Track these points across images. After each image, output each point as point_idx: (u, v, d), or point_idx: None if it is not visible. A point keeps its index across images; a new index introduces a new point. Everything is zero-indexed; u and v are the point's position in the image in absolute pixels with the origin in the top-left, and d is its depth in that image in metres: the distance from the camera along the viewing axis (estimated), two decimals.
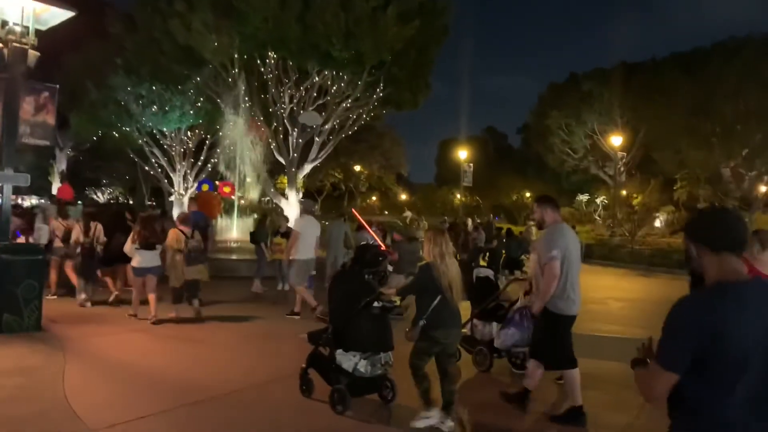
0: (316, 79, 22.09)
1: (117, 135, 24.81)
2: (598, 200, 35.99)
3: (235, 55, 20.60)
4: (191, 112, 23.10)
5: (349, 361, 5.38)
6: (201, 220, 12.03)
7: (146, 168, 27.30)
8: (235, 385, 6.05)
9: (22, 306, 7.87)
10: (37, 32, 8.43)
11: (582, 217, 36.60)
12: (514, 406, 5.68)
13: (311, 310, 9.82)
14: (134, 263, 9.25)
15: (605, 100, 32.90)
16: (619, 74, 33.05)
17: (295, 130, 22.98)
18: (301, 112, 22.22)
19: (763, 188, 31.18)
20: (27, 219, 11.55)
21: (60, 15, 8.49)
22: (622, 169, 31.93)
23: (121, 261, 10.26)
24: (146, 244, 9.13)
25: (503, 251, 14.58)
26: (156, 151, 25.65)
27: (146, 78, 21.84)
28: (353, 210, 17.17)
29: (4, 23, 8.12)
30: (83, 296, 10.15)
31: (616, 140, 30.69)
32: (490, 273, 8.22)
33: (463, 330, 7.63)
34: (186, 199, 25.16)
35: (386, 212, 55.64)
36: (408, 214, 45.20)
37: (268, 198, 29.05)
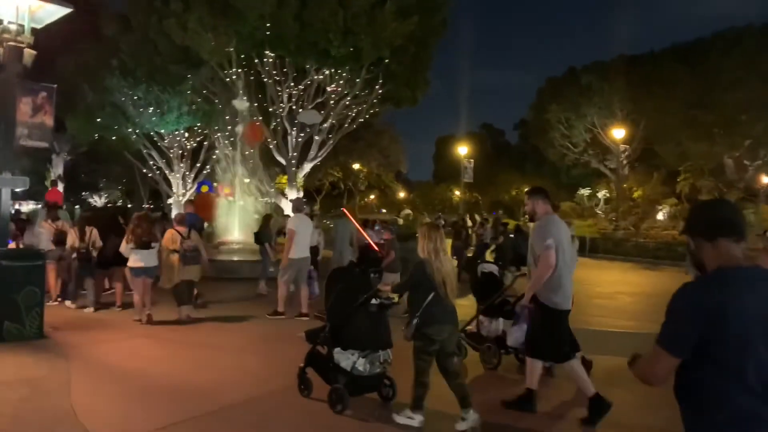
0: (315, 77, 21.83)
1: (114, 138, 24.49)
2: (599, 194, 35.75)
3: (233, 55, 20.32)
4: (189, 113, 22.80)
5: (347, 359, 5.30)
6: (195, 222, 11.89)
7: (144, 170, 27.00)
8: (248, 392, 5.83)
9: (23, 313, 7.60)
10: (33, 31, 8.16)
11: (583, 211, 36.40)
12: (519, 410, 5.48)
13: (272, 313, 9.72)
14: (131, 263, 9.09)
15: (605, 93, 32.69)
16: (618, 67, 32.80)
17: (294, 129, 22.73)
18: (300, 111, 21.97)
19: (765, 179, 30.99)
20: (18, 224, 11.36)
21: (56, 12, 8.22)
22: (624, 162, 31.71)
23: (117, 264, 10.19)
24: (141, 243, 8.98)
25: (511, 247, 14.37)
26: (154, 153, 25.36)
27: (143, 79, 21.55)
28: (343, 209, 17.04)
29: None
30: (78, 302, 10.05)
31: (618, 133, 30.46)
32: (494, 269, 8.08)
33: (469, 327, 7.59)
34: (185, 201, 24.92)
35: (384, 210, 55.49)
36: (407, 212, 45.11)
37: (266, 199, 28.78)
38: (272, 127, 22.55)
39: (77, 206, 34.40)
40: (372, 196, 59.31)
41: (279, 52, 20.63)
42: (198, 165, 26.19)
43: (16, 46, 7.77)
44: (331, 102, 22.39)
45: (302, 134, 22.95)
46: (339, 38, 19.44)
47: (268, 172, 24.04)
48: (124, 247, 9.13)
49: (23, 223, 11.76)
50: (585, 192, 36.95)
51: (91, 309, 9.89)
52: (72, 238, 9.99)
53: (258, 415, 5.28)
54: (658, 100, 29.65)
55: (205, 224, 24.27)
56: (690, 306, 2.10)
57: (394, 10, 19.76)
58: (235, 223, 19.79)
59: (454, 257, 18.23)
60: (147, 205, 34.77)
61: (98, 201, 38.09)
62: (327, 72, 21.77)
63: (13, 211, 8.57)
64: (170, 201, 27.02)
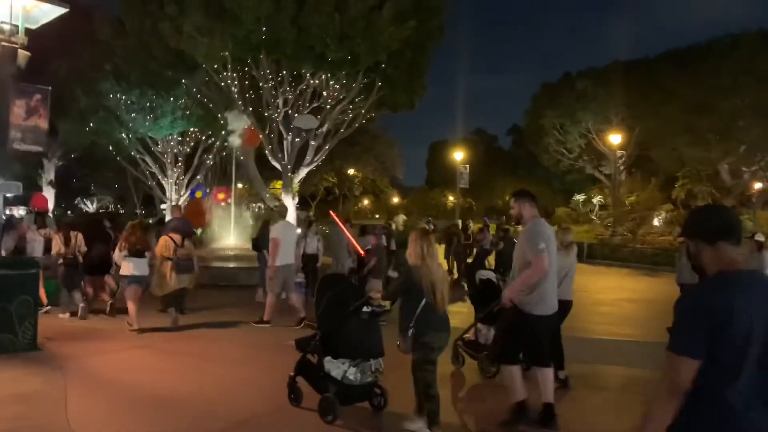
0: (311, 81, 21.62)
1: (107, 142, 24.15)
2: (594, 200, 35.71)
3: (228, 59, 20.07)
4: (183, 117, 22.52)
5: (338, 368, 5.20)
6: (183, 227, 11.66)
7: (137, 175, 26.66)
8: (255, 407, 5.62)
9: (16, 324, 7.30)
10: (27, 31, 7.91)
11: (578, 217, 36.33)
12: (517, 424, 5.27)
13: (257, 321, 9.51)
14: (124, 271, 8.94)
15: (600, 98, 32.66)
16: (613, 72, 32.81)
17: (290, 134, 22.49)
18: (296, 115, 21.74)
19: (758, 185, 31.03)
20: None
21: (51, 12, 7.97)
22: (621, 167, 31.67)
23: (100, 271, 10.15)
24: (135, 252, 8.85)
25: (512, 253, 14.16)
26: (147, 158, 25.03)
27: (136, 83, 21.26)
28: (330, 211, 16.90)
29: None
30: (69, 311, 9.80)
31: (614, 138, 30.40)
32: (492, 275, 7.93)
33: (467, 335, 7.43)
34: (171, 207, 24.60)
35: (377, 216, 55.23)
36: (402, 217, 44.84)
37: (259, 204, 28.54)
38: (267, 131, 22.30)
39: (69, 212, 34.03)
40: (366, 202, 59.05)
41: (275, 56, 20.40)
42: (192, 170, 25.88)
43: (9, 47, 7.51)
44: (328, 106, 22.15)
45: (298, 139, 22.70)
46: (336, 42, 19.25)
47: (263, 177, 23.81)
48: (117, 255, 8.99)
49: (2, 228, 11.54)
50: (580, 198, 36.85)
51: (84, 316, 9.67)
52: (57, 245, 9.74)
53: None
54: (654, 105, 29.65)
55: (200, 230, 24.08)
56: (698, 307, 2.14)
57: (391, 14, 19.60)
58: (230, 229, 19.50)
59: (455, 263, 18.09)
60: (139, 211, 34.44)
61: (90, 206, 37.61)
62: (323, 76, 21.57)
63: (3, 216, 8.27)
64: (164, 207, 26.67)
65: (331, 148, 24.19)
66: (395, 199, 60.13)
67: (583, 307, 13.26)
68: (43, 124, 8.44)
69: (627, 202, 32.63)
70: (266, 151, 22.54)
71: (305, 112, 22.07)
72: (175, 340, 8.47)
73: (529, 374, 5.74)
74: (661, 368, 2.22)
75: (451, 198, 60.87)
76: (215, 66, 20.42)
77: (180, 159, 25.47)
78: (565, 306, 6.73)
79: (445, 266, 16.72)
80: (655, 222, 30.74)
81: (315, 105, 22.35)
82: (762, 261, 9.73)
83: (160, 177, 25.46)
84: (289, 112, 22.13)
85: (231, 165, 22.42)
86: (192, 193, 24.34)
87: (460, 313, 9.49)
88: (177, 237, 9.37)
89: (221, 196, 22.80)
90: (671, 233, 25.89)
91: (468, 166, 33.32)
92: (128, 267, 8.87)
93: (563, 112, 34.62)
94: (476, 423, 5.53)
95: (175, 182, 25.35)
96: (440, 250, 15.97)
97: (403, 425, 5.03)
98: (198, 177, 25.84)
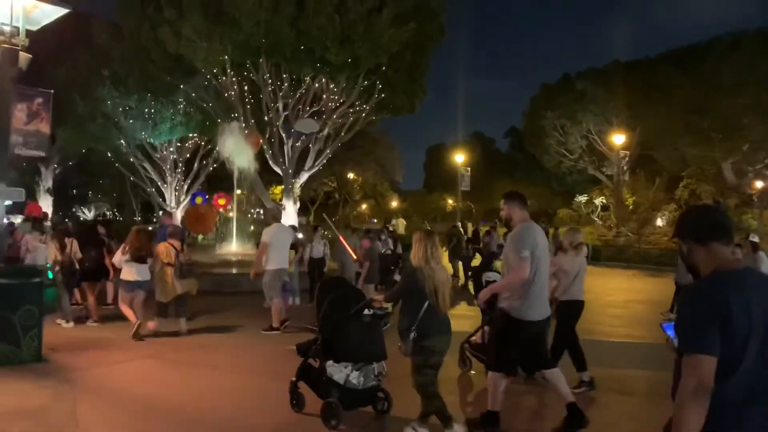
0: (311, 85, 21.42)
1: (105, 149, 23.91)
2: (596, 201, 35.55)
3: (227, 63, 19.87)
4: (182, 123, 22.29)
5: (340, 372, 5.12)
6: (180, 233, 11.50)
7: (136, 182, 26.40)
8: (278, 420, 5.36)
9: (20, 335, 7.03)
10: (28, 34, 7.68)
11: (580, 218, 36.14)
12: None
13: (266, 329, 9.34)
14: (125, 276, 8.83)
15: (600, 99, 32.52)
16: (613, 73, 32.69)
17: (291, 138, 22.27)
18: (296, 119, 21.54)
19: (760, 183, 30.91)
20: None
21: (52, 13, 7.74)
22: (625, 168, 31.53)
23: (94, 277, 10.14)
24: (138, 257, 8.77)
25: None
26: (146, 164, 24.78)
27: (135, 89, 21.03)
28: (324, 215, 16.74)
29: None
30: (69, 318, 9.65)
31: (617, 139, 30.23)
32: (498, 278, 7.70)
33: (474, 338, 7.25)
34: (178, 213, 24.36)
35: (374, 220, 54.98)
36: (400, 221, 44.55)
37: (259, 209, 28.26)
38: (268, 136, 22.08)
39: (66, 219, 33.67)
40: (364, 206, 58.78)
41: (275, 60, 20.21)
42: (192, 176, 25.62)
43: (10, 49, 7.27)
44: (330, 107, 21.94)
45: (299, 143, 22.49)
46: (336, 45, 19.10)
47: (263, 181, 23.56)
48: (119, 259, 8.91)
49: None
50: (582, 199, 36.69)
51: (72, 324, 9.58)
52: (52, 252, 9.60)
53: None
54: (655, 105, 29.51)
55: (200, 237, 23.87)
56: (702, 307, 2.14)
57: (391, 16, 19.47)
58: (232, 234, 19.26)
59: (460, 264, 17.86)
60: (138, 218, 34.12)
61: (88, 214, 37.28)
62: (323, 80, 21.38)
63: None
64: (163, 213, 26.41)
65: (332, 152, 24.01)
66: (394, 203, 59.89)
67: (595, 308, 13.06)
68: (45, 128, 8.20)
69: (630, 202, 32.44)
70: (267, 156, 22.34)
71: (305, 116, 21.89)
72: (183, 350, 8.22)
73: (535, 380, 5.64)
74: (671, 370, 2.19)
75: (450, 201, 60.72)
76: (214, 70, 20.24)
77: (180, 165, 25.22)
78: (577, 307, 6.77)
79: (451, 270, 16.50)
80: (659, 222, 30.57)
81: (315, 109, 22.18)
82: (756, 261, 9.72)
83: (159, 183, 25.20)
84: (290, 116, 21.96)
85: (231, 171, 22.15)
86: (192, 199, 24.10)
87: (467, 317, 9.29)
88: (177, 243, 9.31)
89: (222, 201, 22.60)
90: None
91: (469, 168, 33.08)
92: (130, 272, 8.78)
93: (563, 113, 34.48)
94: (465, 419, 5.33)
95: (175, 188, 25.09)
96: (444, 253, 15.87)
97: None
98: (198, 183, 25.60)
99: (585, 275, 6.87)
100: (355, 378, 5.11)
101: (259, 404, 5.86)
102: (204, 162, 25.54)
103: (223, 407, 5.75)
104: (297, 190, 23.94)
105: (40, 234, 10.36)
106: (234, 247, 18.86)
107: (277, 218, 10.34)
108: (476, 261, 16.43)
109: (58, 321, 9.50)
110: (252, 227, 21.74)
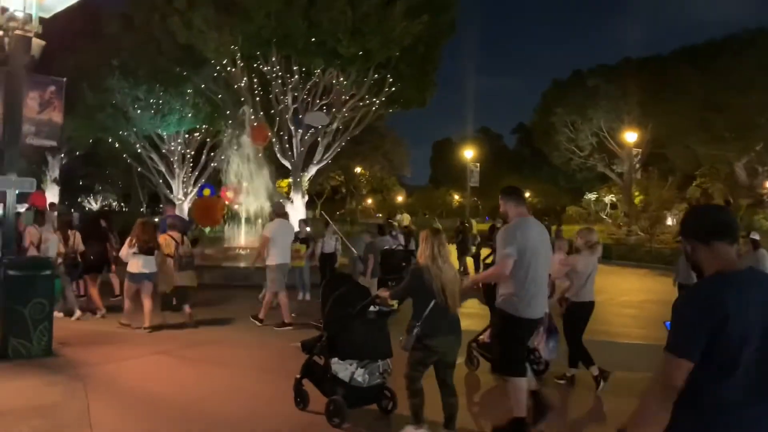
0: (321, 77, 21.21)
1: (113, 139, 23.76)
2: (606, 199, 35.26)
3: (238, 54, 19.68)
4: (191, 114, 22.11)
5: (345, 370, 5.06)
6: (181, 225, 11.45)
7: (144, 173, 26.26)
8: (281, 419, 5.22)
9: (30, 328, 6.88)
10: (41, 21, 7.49)
11: (589, 216, 35.87)
12: None
13: (278, 325, 9.23)
14: (131, 269, 8.82)
15: (611, 96, 32.20)
16: (625, 70, 32.38)
17: (300, 131, 22.09)
18: (306, 112, 21.35)
19: None
20: None
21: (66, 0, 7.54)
22: (637, 166, 31.27)
23: (97, 269, 10.17)
24: (145, 249, 8.78)
25: None
26: (154, 155, 24.62)
27: (144, 79, 20.85)
28: (322, 213, 16.61)
29: (4, 9, 7.16)
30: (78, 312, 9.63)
31: (630, 136, 29.92)
32: None
33: (482, 337, 7.07)
34: (186, 205, 24.22)
35: (379, 215, 54.84)
36: (404, 216, 44.30)
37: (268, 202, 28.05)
38: (276, 129, 21.90)
39: (72, 210, 33.58)
40: (370, 200, 58.63)
41: (285, 52, 20.01)
42: (200, 168, 25.45)
43: (23, 36, 7.09)
44: (340, 100, 21.74)
45: (307, 136, 22.31)
46: (348, 37, 18.90)
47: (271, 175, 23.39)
48: (125, 252, 8.88)
49: None
50: (591, 197, 36.39)
51: (79, 314, 9.58)
52: (56, 244, 9.50)
53: None
54: (667, 103, 29.21)
55: (207, 229, 23.69)
56: (698, 310, 2.16)
57: (404, 9, 19.26)
58: (240, 227, 19.08)
59: (470, 261, 17.68)
60: (144, 209, 34.02)
61: (94, 205, 37.20)
62: (334, 72, 21.18)
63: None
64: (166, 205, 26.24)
65: (341, 146, 23.84)
66: (400, 198, 59.71)
67: (609, 309, 12.87)
68: (58, 117, 8.02)
69: (640, 200, 32.15)
70: (275, 149, 22.18)
71: (315, 109, 21.70)
72: (194, 346, 8.07)
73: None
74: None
75: (456, 197, 60.53)
76: (224, 62, 20.06)
77: (188, 157, 25.06)
78: (588, 307, 6.67)
79: (457, 266, 16.31)
80: (669, 221, 30.29)
81: (325, 102, 22.00)
82: (757, 259, 9.59)
83: (167, 175, 25.05)
84: (299, 109, 21.78)
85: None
86: (200, 191, 23.94)
87: (478, 315, 9.09)
88: (177, 235, 9.36)
89: (230, 194, 22.40)
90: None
91: (478, 164, 32.87)
92: (137, 264, 8.78)
93: (574, 109, 34.18)
94: (492, 427, 5.23)
95: (183, 180, 24.93)
96: (453, 250, 15.64)
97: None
98: (206, 175, 25.43)
99: (596, 273, 6.77)
100: (360, 376, 5.05)
101: (272, 405, 5.68)
102: (212, 154, 25.36)
103: (235, 407, 5.60)
104: (305, 184, 23.79)
105: (39, 226, 10.19)
106: (242, 240, 18.66)
107: (280, 213, 10.22)
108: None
109: (57, 313, 9.38)
110: (259, 221, 21.55)
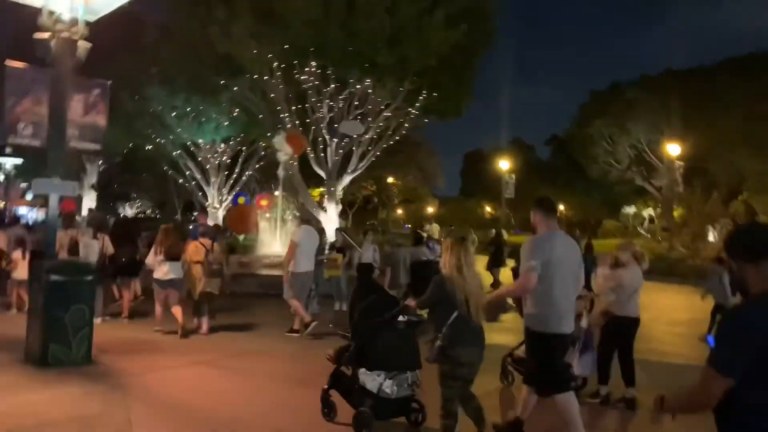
0: (357, 87, 21.09)
1: (150, 147, 23.99)
2: (644, 213, 34.39)
3: (275, 63, 19.69)
4: (227, 123, 22.20)
5: (373, 381, 4.93)
6: (210, 232, 11.42)
7: (180, 181, 26.45)
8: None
9: (70, 335, 6.75)
10: (87, 24, 7.42)
11: (626, 230, 35.03)
12: None
13: (303, 326, 9.13)
14: (158, 275, 8.93)
15: (652, 108, 31.44)
16: (666, 81, 31.61)
17: (334, 140, 21.99)
18: (341, 121, 21.24)
19: None
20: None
21: (112, 2, 7.47)
22: (680, 180, 30.48)
23: (128, 274, 10.21)
24: (171, 255, 8.91)
25: None
26: (190, 163, 24.77)
27: (182, 88, 20.99)
28: (337, 228, 16.49)
29: (51, 12, 7.10)
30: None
31: (672, 149, 29.09)
32: None
33: (517, 352, 6.76)
34: (221, 213, 24.28)
35: (408, 226, 54.51)
36: (434, 226, 43.97)
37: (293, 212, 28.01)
38: (311, 138, 21.85)
39: (108, 216, 34.01)
40: (400, 211, 58.32)
41: (322, 62, 19.94)
42: (235, 176, 25.52)
43: (69, 38, 7.02)
44: (376, 110, 21.59)
45: (342, 146, 22.20)
46: (386, 47, 18.76)
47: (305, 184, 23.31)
48: (152, 259, 9.00)
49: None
50: (630, 210, 35.55)
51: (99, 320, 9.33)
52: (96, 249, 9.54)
53: None
54: (710, 115, 28.39)
55: (241, 237, 23.69)
56: (743, 329, 2.19)
57: (443, 18, 19.05)
58: (275, 236, 19.00)
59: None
60: (178, 216, 34.27)
61: (129, 211, 37.68)
62: (369, 82, 21.04)
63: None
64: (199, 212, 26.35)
65: (375, 156, 23.68)
66: (430, 209, 59.27)
67: (657, 327, 12.36)
68: (102, 120, 7.95)
69: (679, 215, 31.29)
70: (310, 159, 22.12)
71: (350, 118, 21.59)
72: (234, 356, 7.89)
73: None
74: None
75: (488, 208, 59.85)
76: (261, 71, 20.08)
77: (223, 165, 25.17)
78: (633, 323, 6.44)
79: (489, 279, 15.95)
80: (711, 237, 29.36)
81: (360, 111, 21.88)
82: None
83: (202, 183, 25.17)
84: (334, 118, 21.69)
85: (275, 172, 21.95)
86: (235, 199, 24.00)
87: (512, 330, 8.71)
88: (207, 242, 9.42)
89: (264, 202, 22.40)
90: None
91: (513, 175, 32.38)
92: (163, 270, 8.85)
93: (612, 121, 33.48)
94: None
95: (218, 188, 25.02)
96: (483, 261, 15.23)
97: None
98: (240, 183, 25.49)
99: (640, 288, 6.55)
100: (388, 387, 4.92)
101: (303, 417, 5.50)
102: (247, 163, 25.42)
103: (280, 422, 5.38)
104: (339, 193, 23.66)
105: (67, 230, 10.21)
106: (277, 248, 18.56)
107: (306, 220, 10.12)
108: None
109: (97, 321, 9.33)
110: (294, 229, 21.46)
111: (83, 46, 7.14)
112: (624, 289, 6.36)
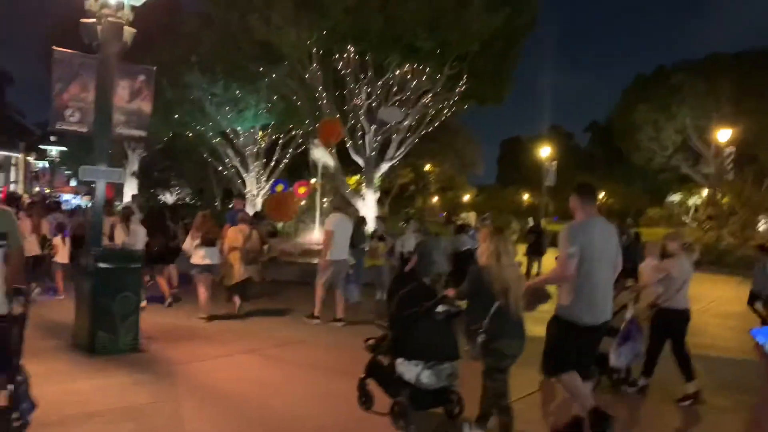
0: (396, 73, 20.81)
1: (190, 135, 24.15)
2: (690, 201, 33.33)
3: (313, 50, 19.56)
4: (266, 110, 22.17)
5: (410, 371, 4.85)
6: (247, 219, 11.45)
7: (219, 168, 26.62)
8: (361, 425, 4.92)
9: (117, 323, 6.74)
10: (133, 8, 7.34)
11: (670, 218, 33.97)
12: None
13: (309, 316, 9.26)
14: (196, 260, 9.08)
15: (699, 93, 30.32)
16: (713, 65, 30.45)
17: (373, 127, 21.79)
18: (379, 108, 21.02)
19: None
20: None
21: None
22: (730, 166, 29.39)
23: (162, 261, 10.27)
24: (206, 241, 9.08)
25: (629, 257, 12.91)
26: (229, 150, 24.88)
27: (221, 76, 21.02)
28: (356, 211, 16.29)
29: None
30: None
31: (722, 135, 27.98)
32: None
33: None
34: (258, 200, 24.33)
35: (443, 214, 54.08)
36: (470, 214, 43.52)
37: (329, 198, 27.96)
38: (349, 125, 21.70)
39: (148, 202, 34.52)
40: (435, 199, 57.85)
41: (361, 47, 19.72)
42: (273, 163, 25.55)
43: (115, 23, 6.94)
44: (414, 97, 21.32)
45: (381, 132, 21.99)
46: (426, 31, 18.45)
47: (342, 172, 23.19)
48: (189, 245, 9.19)
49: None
50: (675, 198, 34.50)
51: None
52: (120, 234, 9.61)
53: None
54: (761, 101, 27.23)
55: (280, 224, 23.74)
56: None
57: (484, 2, 18.65)
58: (315, 224, 18.95)
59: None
60: (218, 204, 34.55)
61: (169, 198, 38.17)
62: (408, 67, 20.75)
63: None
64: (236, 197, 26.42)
65: (414, 143, 23.42)
66: (466, 197, 58.64)
67: (709, 320, 11.92)
68: (147, 107, 7.91)
69: (727, 203, 30.17)
70: (348, 146, 21.99)
71: (389, 104, 21.35)
72: (280, 346, 7.79)
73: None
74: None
75: (525, 196, 58.99)
76: (300, 58, 19.98)
77: (262, 152, 25.23)
78: (683, 315, 6.25)
79: (524, 269, 15.60)
80: (761, 227, 28.27)
81: (399, 97, 21.62)
82: None
83: (241, 170, 25.27)
84: (372, 104, 21.49)
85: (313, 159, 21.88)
86: (273, 187, 24.02)
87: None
88: (245, 228, 9.53)
89: (302, 190, 22.36)
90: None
91: (555, 163, 31.68)
92: (200, 256, 9.00)
93: (657, 106, 32.42)
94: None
95: (257, 175, 25.09)
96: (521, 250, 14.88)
97: (461, 427, 4.74)
98: (279, 170, 25.49)
99: (691, 280, 6.38)
100: (426, 377, 4.85)
101: (344, 408, 5.41)
102: (286, 149, 25.41)
103: (328, 413, 5.32)
104: (377, 181, 23.49)
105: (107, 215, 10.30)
106: (316, 235, 18.52)
107: (340, 207, 10.19)
108: None
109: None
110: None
111: (129, 31, 7.06)
112: (673, 280, 6.16)
